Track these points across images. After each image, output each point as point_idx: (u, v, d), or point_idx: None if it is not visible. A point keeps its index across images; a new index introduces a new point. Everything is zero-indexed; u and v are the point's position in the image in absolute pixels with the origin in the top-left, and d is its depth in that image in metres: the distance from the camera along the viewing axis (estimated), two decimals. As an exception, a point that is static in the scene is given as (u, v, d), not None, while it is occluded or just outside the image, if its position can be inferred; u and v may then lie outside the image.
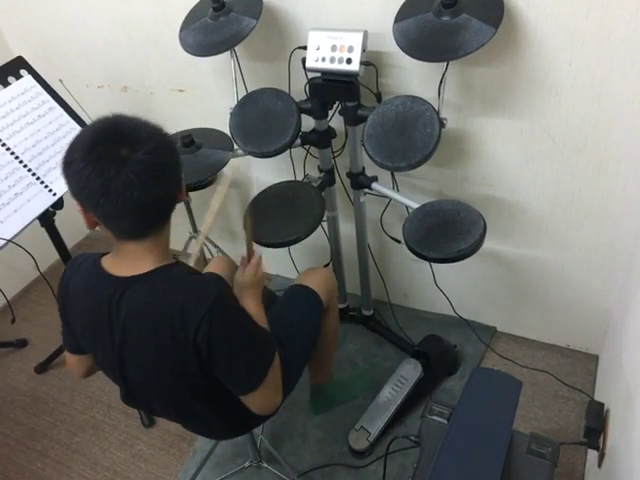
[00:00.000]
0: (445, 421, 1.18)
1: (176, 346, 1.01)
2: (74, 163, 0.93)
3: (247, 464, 1.75)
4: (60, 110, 1.78)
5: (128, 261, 1.04)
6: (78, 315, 1.13)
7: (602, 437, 1.45)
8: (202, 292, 1.01)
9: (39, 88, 1.76)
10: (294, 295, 1.53)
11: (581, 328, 1.91)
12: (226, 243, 2.35)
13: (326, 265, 2.08)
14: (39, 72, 1.77)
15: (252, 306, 1.21)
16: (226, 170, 1.39)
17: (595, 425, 1.44)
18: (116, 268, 1.06)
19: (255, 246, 1.30)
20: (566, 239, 1.70)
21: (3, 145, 1.64)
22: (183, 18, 1.62)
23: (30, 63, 1.76)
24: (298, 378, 1.42)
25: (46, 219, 1.76)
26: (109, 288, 1.05)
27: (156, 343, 1.04)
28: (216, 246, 2.25)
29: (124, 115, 0.99)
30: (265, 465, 1.74)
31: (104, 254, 1.10)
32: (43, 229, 1.80)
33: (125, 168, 0.91)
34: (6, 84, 1.70)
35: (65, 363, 1.30)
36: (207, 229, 1.33)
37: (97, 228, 1.02)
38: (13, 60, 1.74)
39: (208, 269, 1.60)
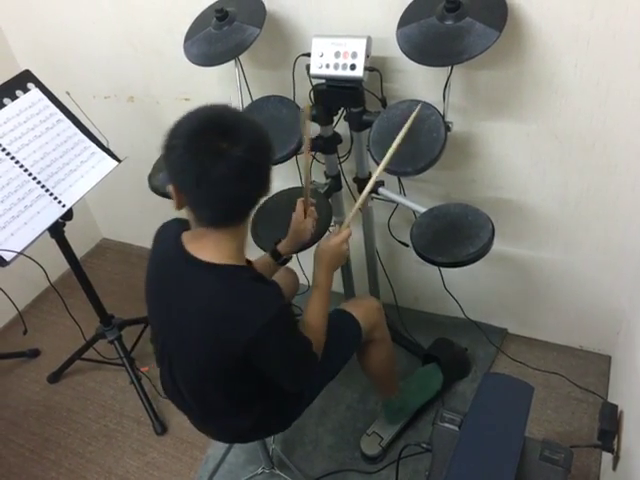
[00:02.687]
0: (456, 428, 1.17)
1: (219, 346, 1.06)
2: (175, 149, 0.97)
3: (259, 471, 1.75)
4: (68, 122, 1.79)
5: (201, 244, 1.09)
6: (147, 280, 1.22)
7: (616, 439, 1.43)
8: (263, 305, 1.05)
9: (46, 101, 1.77)
10: (335, 319, 1.47)
11: (593, 329, 1.90)
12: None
13: (334, 270, 2.07)
14: (46, 85, 1.79)
15: (322, 276, 1.27)
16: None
17: (609, 427, 1.43)
18: (191, 245, 1.10)
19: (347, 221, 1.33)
20: (576, 239, 1.69)
21: (12, 158, 1.66)
22: (187, 28, 1.63)
23: (37, 76, 1.78)
24: (313, 399, 1.43)
25: (56, 230, 1.78)
26: (180, 263, 1.10)
27: (201, 334, 1.08)
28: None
29: (228, 107, 1.03)
30: (277, 472, 1.74)
31: (186, 228, 1.14)
32: (53, 240, 1.81)
33: (221, 162, 0.95)
34: (14, 98, 1.71)
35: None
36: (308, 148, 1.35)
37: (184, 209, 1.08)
38: (20, 74, 1.75)
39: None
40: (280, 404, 1.32)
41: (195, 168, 0.96)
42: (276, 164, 1.55)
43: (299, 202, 1.37)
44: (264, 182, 1.05)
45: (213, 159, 0.95)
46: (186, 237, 1.13)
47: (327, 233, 1.43)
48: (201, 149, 0.95)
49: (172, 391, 1.30)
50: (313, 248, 1.33)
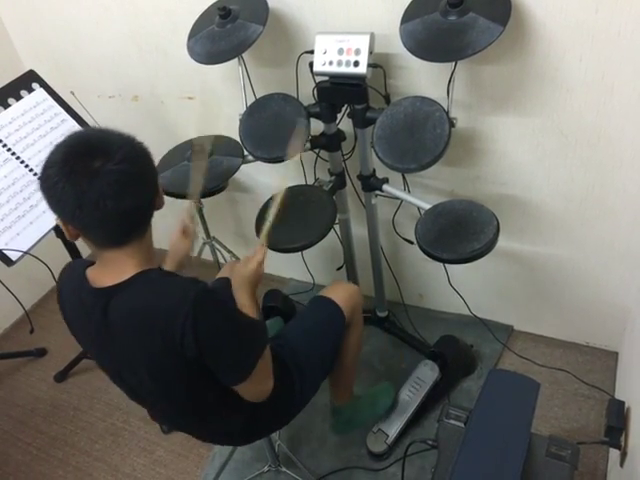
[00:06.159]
0: (462, 425, 1.17)
1: (167, 347, 1.02)
2: (49, 178, 0.94)
3: (266, 469, 1.76)
4: (72, 122, 1.80)
5: (111, 269, 1.05)
6: (70, 324, 1.17)
7: (624, 436, 1.43)
8: (181, 294, 1.01)
9: (51, 101, 1.78)
10: (317, 307, 1.50)
11: (600, 325, 1.89)
12: (239, 247, 2.36)
13: (339, 268, 2.07)
14: (51, 85, 1.80)
15: (243, 299, 1.21)
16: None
17: (616, 424, 1.43)
18: (100, 278, 1.06)
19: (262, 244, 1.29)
20: (582, 236, 1.68)
21: (17, 158, 1.67)
22: (190, 27, 1.63)
23: (42, 76, 1.78)
24: (314, 392, 1.42)
25: (61, 230, 1.78)
26: (91, 301, 1.06)
27: (146, 348, 1.05)
28: (229, 251, 2.26)
29: (95, 127, 1.04)
30: (284, 469, 1.75)
31: (91, 264, 1.10)
32: (59, 239, 1.82)
33: (98, 179, 0.92)
34: (19, 98, 1.72)
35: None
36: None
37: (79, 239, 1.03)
38: (25, 74, 1.76)
39: (222, 274, 1.61)
40: (272, 402, 1.26)
41: (73, 193, 0.93)
42: (279, 162, 1.56)
43: (179, 220, 1.37)
44: (149, 189, 1.02)
45: (89, 179, 0.92)
46: (91, 273, 1.09)
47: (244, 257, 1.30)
48: (74, 172, 0.93)
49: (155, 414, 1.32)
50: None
